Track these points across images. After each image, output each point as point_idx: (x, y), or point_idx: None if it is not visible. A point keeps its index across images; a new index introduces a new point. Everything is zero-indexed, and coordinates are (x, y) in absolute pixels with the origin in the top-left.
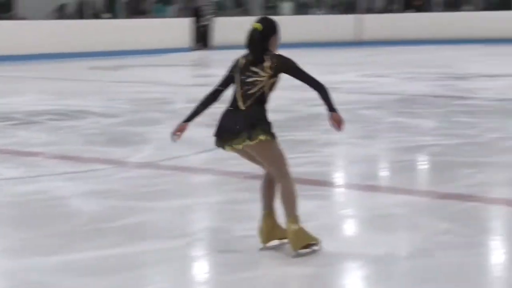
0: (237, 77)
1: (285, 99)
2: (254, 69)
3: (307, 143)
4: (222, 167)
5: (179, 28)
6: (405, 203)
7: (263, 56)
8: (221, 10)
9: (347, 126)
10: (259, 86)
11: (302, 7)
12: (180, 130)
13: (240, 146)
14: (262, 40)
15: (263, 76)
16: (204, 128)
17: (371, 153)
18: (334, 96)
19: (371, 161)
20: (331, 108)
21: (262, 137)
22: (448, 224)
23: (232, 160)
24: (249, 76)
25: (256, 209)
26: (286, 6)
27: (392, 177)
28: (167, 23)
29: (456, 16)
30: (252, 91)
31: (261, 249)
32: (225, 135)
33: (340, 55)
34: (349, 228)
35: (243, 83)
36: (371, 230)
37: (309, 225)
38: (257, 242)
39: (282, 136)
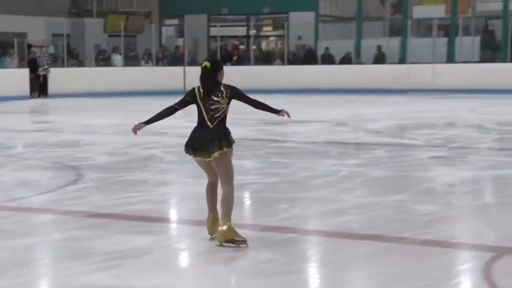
0: (202, 104)
1: (119, 142)
2: (215, 98)
3: (142, 183)
4: (62, 207)
5: (18, 78)
6: None
7: (218, 87)
8: (56, 62)
9: (179, 167)
10: (222, 110)
11: (132, 60)
12: (138, 128)
13: (210, 158)
14: (212, 74)
15: (223, 103)
16: (44, 171)
17: (201, 191)
18: (165, 140)
19: (201, 198)
20: (275, 111)
21: (225, 149)
22: (270, 253)
23: (71, 200)
24: (213, 104)
25: (96, 246)
26: (118, 58)
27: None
28: (6, 73)
29: (267, 69)
30: (217, 115)
31: (210, 239)
32: (196, 146)
33: (169, 103)
34: (183, 260)
35: (208, 109)
36: (203, 262)
37: (145, 259)
38: (98, 278)
39: (118, 177)
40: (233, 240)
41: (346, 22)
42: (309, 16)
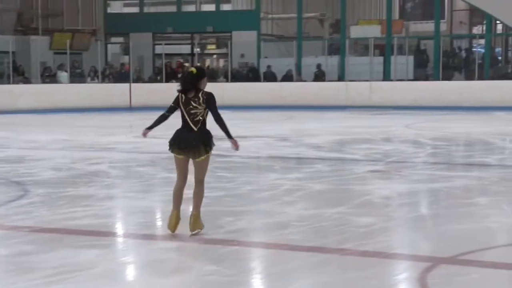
0: (183, 108)
1: (65, 158)
2: (193, 103)
3: (88, 198)
4: (8, 222)
5: None
6: (178, 248)
7: (197, 92)
8: (2, 79)
9: (124, 182)
10: (200, 115)
11: (78, 77)
12: (146, 132)
13: (198, 159)
14: (195, 80)
15: (201, 109)
16: None
17: (146, 205)
18: (111, 155)
19: (146, 212)
20: (229, 135)
21: (203, 157)
22: (214, 266)
23: (17, 215)
24: (192, 109)
25: (43, 260)
26: (63, 75)
27: (165, 226)
28: None
29: (211, 85)
30: (196, 118)
31: (172, 235)
32: (182, 145)
33: (115, 118)
34: (129, 273)
35: (189, 113)
36: (149, 275)
37: (91, 273)
38: None
39: (64, 192)
40: (200, 229)
41: (287, 41)
42: (251, 35)
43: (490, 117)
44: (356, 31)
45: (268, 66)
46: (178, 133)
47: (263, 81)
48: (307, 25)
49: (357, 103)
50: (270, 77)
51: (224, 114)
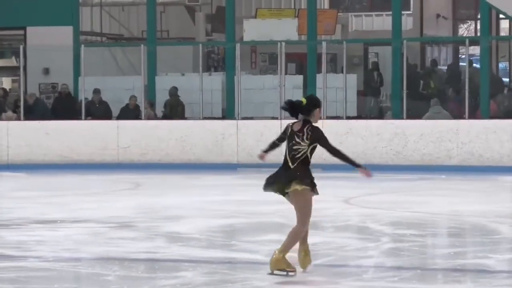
0: (287, 142)
1: None
2: (297, 139)
3: None
4: None
5: None
6: None
7: (304, 127)
8: None
9: None
10: (302, 152)
11: None
12: (262, 156)
13: (288, 190)
14: (305, 113)
15: (304, 146)
16: None
17: None
18: None
19: None
20: (356, 165)
21: (298, 187)
22: None
23: None
24: (294, 144)
25: None
26: None
27: None
28: None
29: None
30: (297, 156)
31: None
32: (271, 180)
33: None
34: None
35: (290, 149)
36: None
37: None
38: None
39: None
40: (284, 269)
41: (130, 45)
42: (64, 33)
43: (490, 185)
44: (253, 30)
45: (96, 91)
46: (275, 173)
47: (86, 118)
48: (166, 18)
49: (256, 159)
50: (99, 110)
51: None
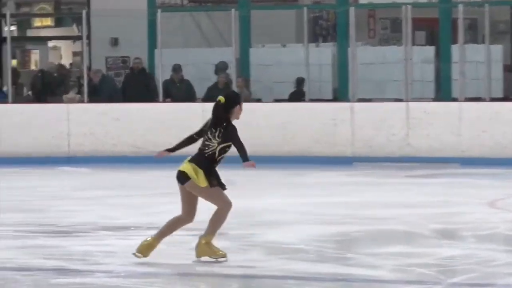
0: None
1: None
2: (210, 135)
3: None
4: None
5: None
6: None
7: (217, 126)
8: None
9: None
10: (212, 149)
11: None
12: (161, 154)
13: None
14: (221, 112)
15: (214, 143)
16: None
17: None
18: None
19: None
20: (245, 159)
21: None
22: None
23: None
24: (207, 140)
25: None
26: None
27: None
28: None
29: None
30: (206, 151)
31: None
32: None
33: None
34: None
35: (203, 143)
36: None
37: None
38: None
39: None
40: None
41: (214, 10)
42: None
43: None
44: None
45: (176, 67)
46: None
47: (164, 100)
48: None
49: (376, 152)
50: (181, 90)
51: None
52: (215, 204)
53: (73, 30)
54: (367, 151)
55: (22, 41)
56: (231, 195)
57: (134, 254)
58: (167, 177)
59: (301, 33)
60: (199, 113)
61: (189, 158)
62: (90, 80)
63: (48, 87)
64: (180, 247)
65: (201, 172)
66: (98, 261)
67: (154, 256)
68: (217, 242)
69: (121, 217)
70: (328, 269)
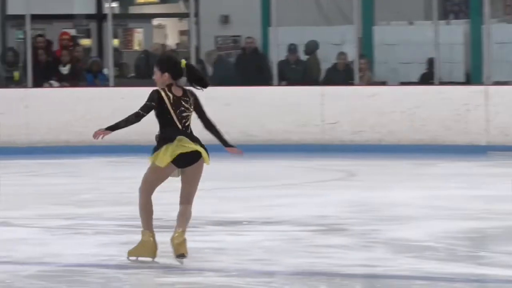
0: (172, 110)
1: None
2: (186, 104)
3: None
4: None
5: None
6: None
7: (186, 93)
8: None
9: None
10: (189, 119)
11: None
12: (99, 134)
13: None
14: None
15: (190, 112)
16: None
17: None
18: None
19: None
20: (226, 144)
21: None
22: None
23: None
24: (184, 111)
25: None
26: None
27: None
28: None
29: None
30: (187, 123)
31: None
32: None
33: None
34: None
35: (181, 117)
36: None
37: None
38: None
39: None
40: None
41: None
42: None
43: None
44: None
45: (292, 48)
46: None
47: (279, 83)
48: None
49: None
50: (297, 73)
51: None
52: (196, 185)
53: (180, 7)
54: (503, 139)
55: (124, 19)
56: (351, 187)
57: (178, 258)
58: (285, 167)
59: (430, 9)
60: (317, 97)
61: (180, 137)
62: (199, 63)
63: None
64: (297, 243)
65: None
66: (207, 259)
67: (269, 253)
68: (333, 238)
69: (233, 211)
70: (459, 269)
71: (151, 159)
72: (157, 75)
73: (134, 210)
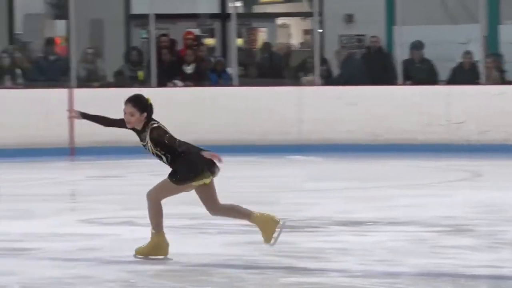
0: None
1: None
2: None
3: None
4: None
5: None
6: None
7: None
8: None
9: None
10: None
11: None
12: (75, 113)
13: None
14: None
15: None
16: None
17: None
18: None
19: None
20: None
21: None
22: None
23: None
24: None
25: None
26: None
27: None
28: None
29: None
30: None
31: None
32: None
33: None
34: None
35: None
36: None
37: None
38: None
39: None
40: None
41: None
42: None
43: None
44: None
45: (416, 46)
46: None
47: (404, 82)
48: None
49: None
50: (421, 71)
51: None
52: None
53: (304, 6)
54: None
55: (248, 18)
56: (478, 187)
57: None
58: (410, 167)
59: None
60: (442, 98)
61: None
62: (324, 63)
63: (277, 69)
64: (422, 244)
65: None
66: (330, 259)
67: (393, 254)
68: (459, 239)
69: (357, 211)
70: None
71: (193, 183)
72: (135, 115)
73: (258, 210)
